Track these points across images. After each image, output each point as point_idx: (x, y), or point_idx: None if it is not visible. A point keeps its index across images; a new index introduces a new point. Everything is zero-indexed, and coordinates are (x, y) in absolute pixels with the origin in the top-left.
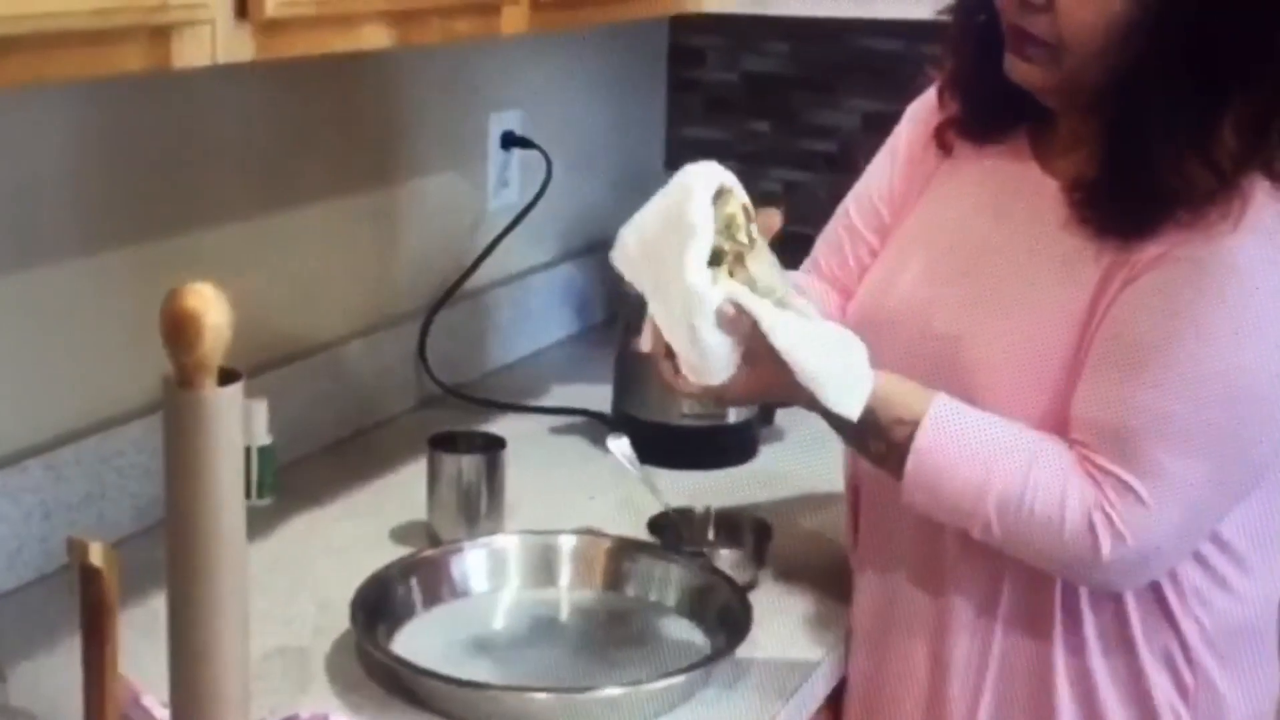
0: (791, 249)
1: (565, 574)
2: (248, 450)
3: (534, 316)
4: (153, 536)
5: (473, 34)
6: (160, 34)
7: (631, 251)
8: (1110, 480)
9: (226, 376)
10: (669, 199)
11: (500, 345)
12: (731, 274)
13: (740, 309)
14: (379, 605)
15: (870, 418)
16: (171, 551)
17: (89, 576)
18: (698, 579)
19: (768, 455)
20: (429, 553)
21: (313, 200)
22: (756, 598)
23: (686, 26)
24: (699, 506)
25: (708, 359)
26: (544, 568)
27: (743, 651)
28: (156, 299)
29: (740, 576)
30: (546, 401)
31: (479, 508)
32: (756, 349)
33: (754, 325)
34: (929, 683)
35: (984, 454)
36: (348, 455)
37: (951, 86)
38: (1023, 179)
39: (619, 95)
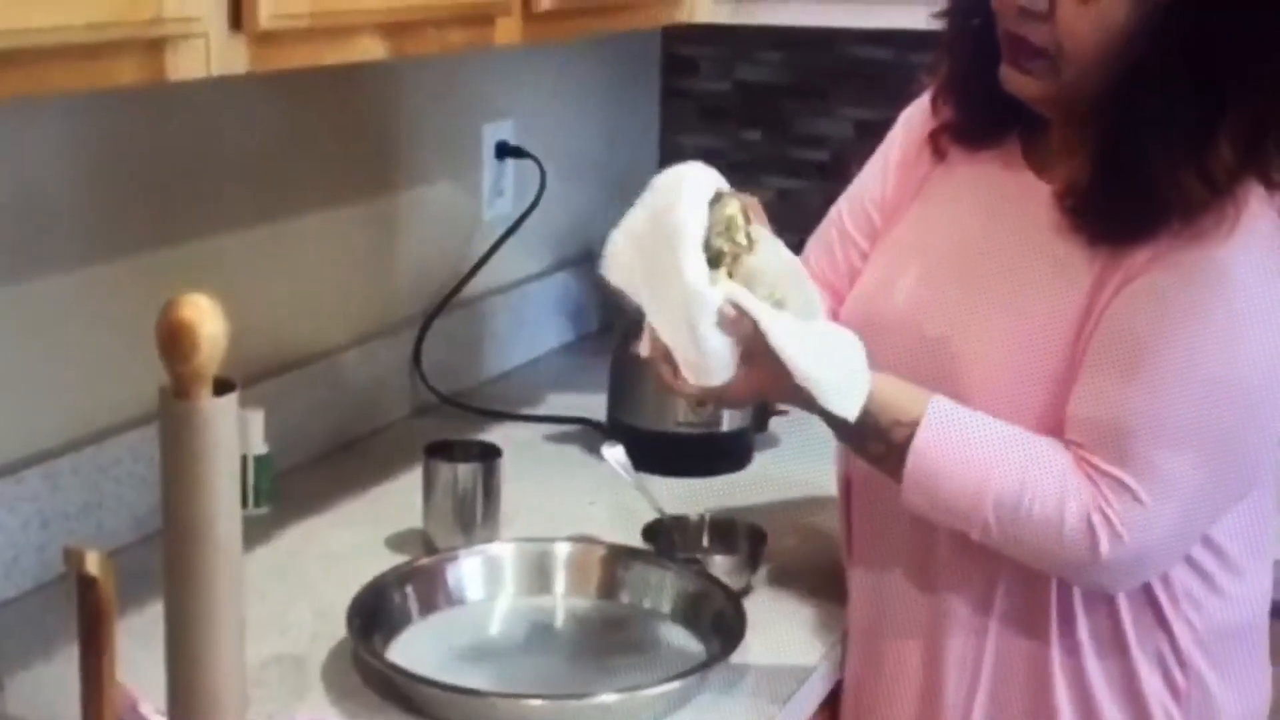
0: None
1: (560, 581)
2: (244, 459)
3: (529, 325)
4: (150, 545)
5: (466, 45)
6: (155, 47)
7: (623, 258)
8: (1107, 480)
9: (222, 386)
10: (658, 202)
11: (496, 354)
12: (730, 275)
13: (740, 310)
14: (375, 613)
15: (868, 419)
16: (168, 560)
17: (86, 585)
18: (692, 585)
19: (762, 462)
20: (425, 561)
21: (308, 210)
22: (751, 603)
23: (679, 36)
24: (693, 513)
25: (708, 360)
26: (539, 575)
27: (737, 657)
28: (153, 309)
29: (735, 582)
30: (542, 410)
31: (474, 516)
32: (755, 350)
33: (754, 326)
34: (924, 683)
35: (982, 455)
36: (344, 463)
37: (945, 92)
38: (1016, 184)
39: (612, 104)
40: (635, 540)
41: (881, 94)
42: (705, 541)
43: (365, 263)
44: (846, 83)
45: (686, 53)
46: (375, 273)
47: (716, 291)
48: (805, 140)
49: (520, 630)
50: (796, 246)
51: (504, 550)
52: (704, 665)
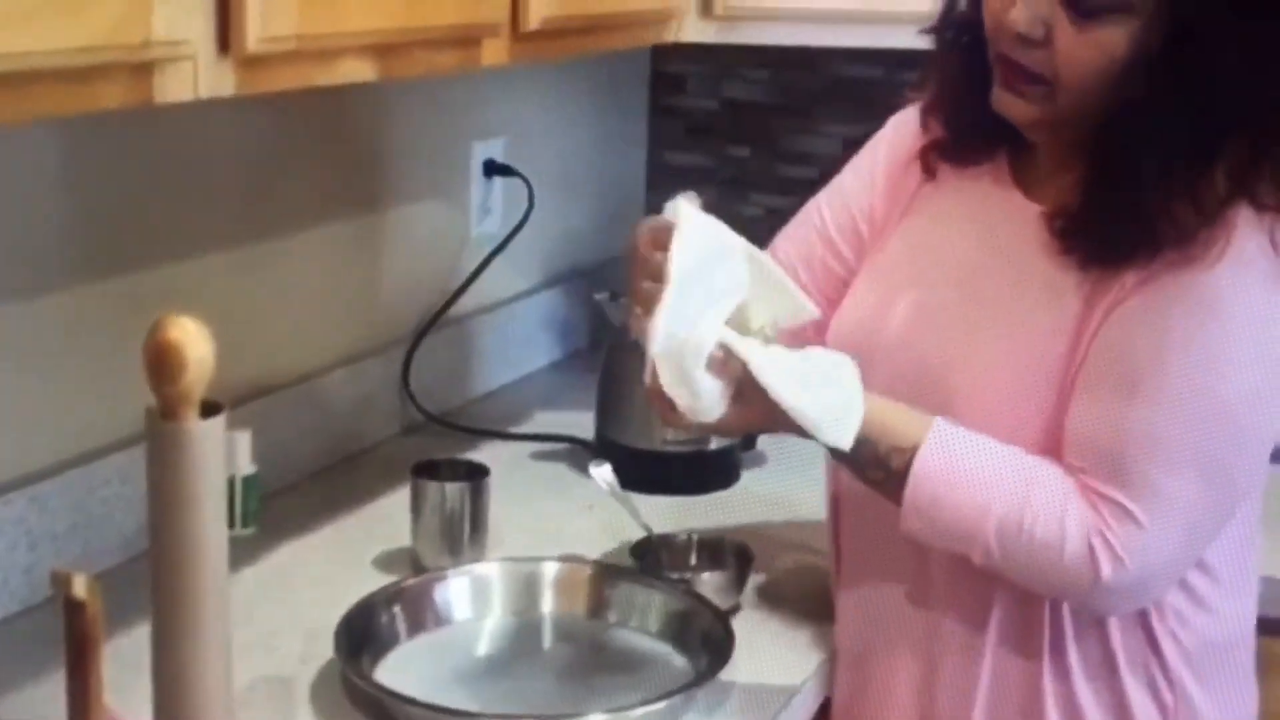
0: None
1: (548, 601)
2: (232, 480)
3: (517, 343)
4: (138, 567)
5: (454, 67)
6: (143, 70)
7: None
8: (1107, 504)
9: (209, 408)
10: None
11: (484, 372)
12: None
13: (729, 352)
14: (363, 634)
15: (865, 447)
16: (155, 582)
17: (73, 608)
18: (680, 604)
19: (749, 480)
20: (412, 581)
21: (296, 230)
22: (739, 622)
23: (667, 54)
24: (681, 532)
25: (700, 400)
26: (527, 594)
27: (725, 676)
28: (141, 330)
29: (722, 601)
30: (530, 428)
31: (462, 535)
32: (747, 388)
33: (744, 366)
34: (915, 705)
35: (983, 480)
36: (332, 483)
37: (935, 110)
38: (1005, 204)
39: (600, 122)
40: (623, 559)
41: (869, 112)
42: (693, 560)
43: (353, 282)
44: (834, 100)
45: (674, 70)
46: (363, 292)
47: (707, 335)
48: (793, 157)
49: (508, 650)
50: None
51: (492, 570)
52: (692, 684)
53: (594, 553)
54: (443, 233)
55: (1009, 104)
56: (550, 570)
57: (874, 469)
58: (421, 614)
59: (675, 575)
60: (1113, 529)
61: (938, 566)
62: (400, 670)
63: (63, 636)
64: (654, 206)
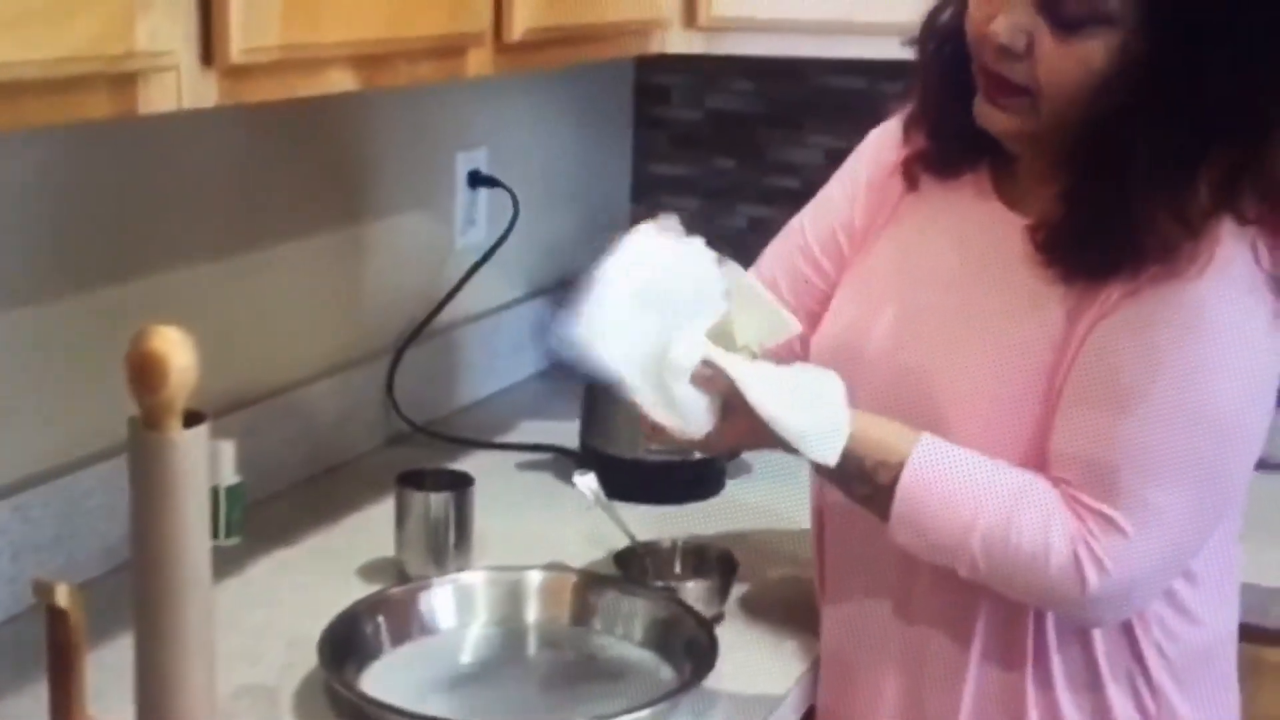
0: None
1: (533, 609)
2: (215, 490)
3: (502, 354)
4: (121, 577)
5: (438, 77)
6: (126, 81)
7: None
8: (1093, 515)
9: (192, 418)
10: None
11: (469, 382)
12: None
13: (715, 368)
14: (347, 643)
15: (851, 462)
16: (138, 591)
17: (55, 618)
18: (664, 612)
19: (734, 488)
20: (396, 590)
21: (280, 240)
22: (723, 630)
23: (652, 65)
24: (665, 540)
25: (686, 416)
26: (511, 603)
27: (709, 684)
28: (125, 340)
29: (706, 609)
30: (514, 438)
31: (447, 544)
32: (733, 403)
33: (730, 383)
34: (901, 715)
35: (969, 493)
36: (316, 493)
37: (917, 121)
38: (987, 215)
39: (585, 133)
40: (607, 567)
41: (853, 122)
42: (677, 568)
43: (338, 292)
44: (818, 111)
45: (659, 81)
46: (348, 302)
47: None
48: (777, 168)
49: (493, 658)
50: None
51: (476, 579)
52: (676, 692)
53: (578, 561)
54: (427, 243)
55: (990, 116)
56: (535, 579)
57: (860, 484)
58: (406, 623)
59: (659, 584)
60: (1098, 540)
61: (921, 580)
62: (384, 679)
63: (45, 645)
64: (639, 217)
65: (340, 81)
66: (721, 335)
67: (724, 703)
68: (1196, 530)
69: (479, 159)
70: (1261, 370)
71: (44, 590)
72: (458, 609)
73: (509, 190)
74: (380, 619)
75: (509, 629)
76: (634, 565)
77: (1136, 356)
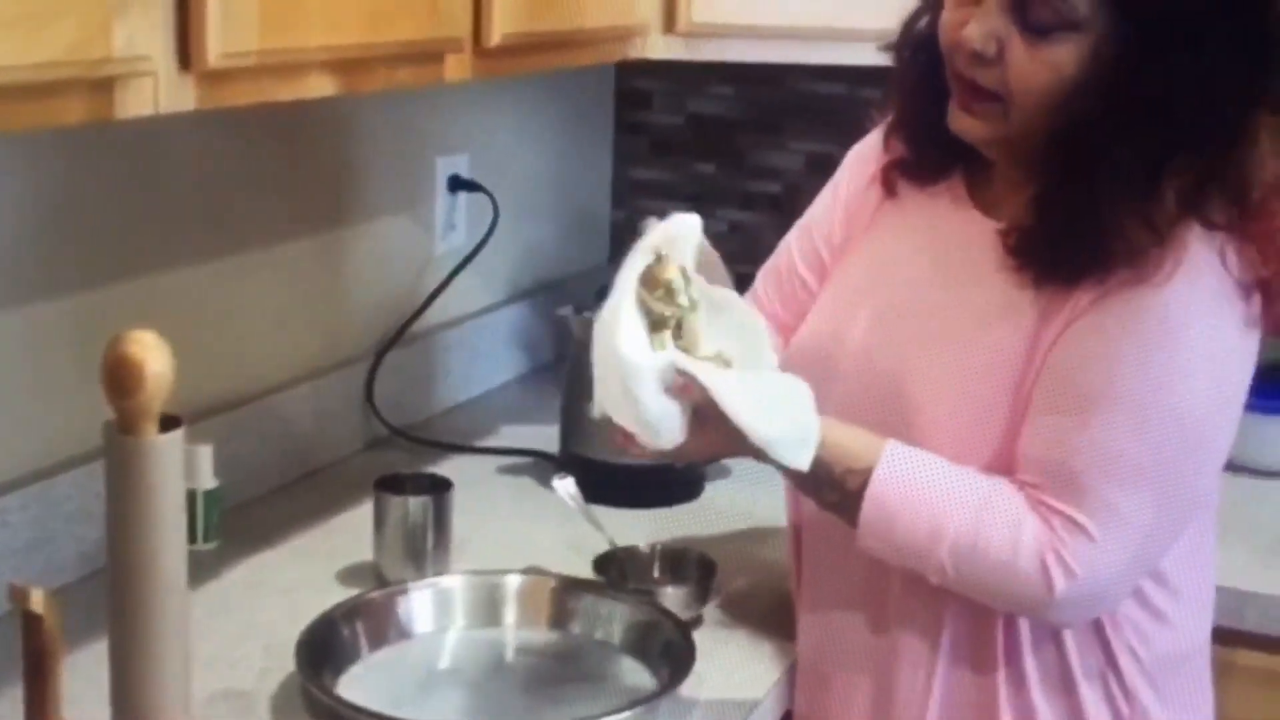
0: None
1: (511, 613)
2: (193, 494)
3: (482, 358)
4: (98, 582)
5: (417, 82)
6: (103, 86)
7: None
8: (1060, 519)
9: (168, 423)
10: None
11: (449, 387)
12: (678, 337)
13: (687, 375)
14: (324, 647)
15: (823, 468)
16: (113, 595)
17: (31, 623)
18: (642, 616)
19: (713, 492)
20: (374, 594)
21: (259, 245)
22: (701, 634)
23: (632, 70)
24: (644, 544)
25: (659, 426)
26: (490, 607)
27: (687, 688)
28: (103, 344)
29: (685, 613)
30: (494, 442)
31: (425, 549)
32: (704, 411)
33: (704, 391)
34: (872, 717)
35: (937, 500)
36: (295, 498)
37: (896, 130)
38: (962, 222)
39: (566, 138)
40: (586, 571)
41: (833, 127)
42: (656, 572)
43: (318, 297)
44: (798, 116)
45: (640, 86)
46: (328, 307)
47: (660, 357)
48: (758, 173)
49: (471, 663)
50: (750, 280)
51: (454, 582)
52: (653, 696)
53: (557, 565)
54: (407, 248)
55: (963, 122)
56: (513, 583)
57: (829, 491)
58: (383, 627)
59: (638, 587)
60: (1065, 543)
61: (894, 587)
62: (362, 684)
63: (21, 651)
64: (619, 222)
65: (319, 86)
66: (692, 343)
67: (701, 707)
68: (1162, 534)
69: (459, 164)
70: (1228, 376)
71: (20, 595)
72: (436, 613)
73: (489, 195)
74: (358, 623)
75: (487, 633)
76: (612, 569)
77: (1103, 361)
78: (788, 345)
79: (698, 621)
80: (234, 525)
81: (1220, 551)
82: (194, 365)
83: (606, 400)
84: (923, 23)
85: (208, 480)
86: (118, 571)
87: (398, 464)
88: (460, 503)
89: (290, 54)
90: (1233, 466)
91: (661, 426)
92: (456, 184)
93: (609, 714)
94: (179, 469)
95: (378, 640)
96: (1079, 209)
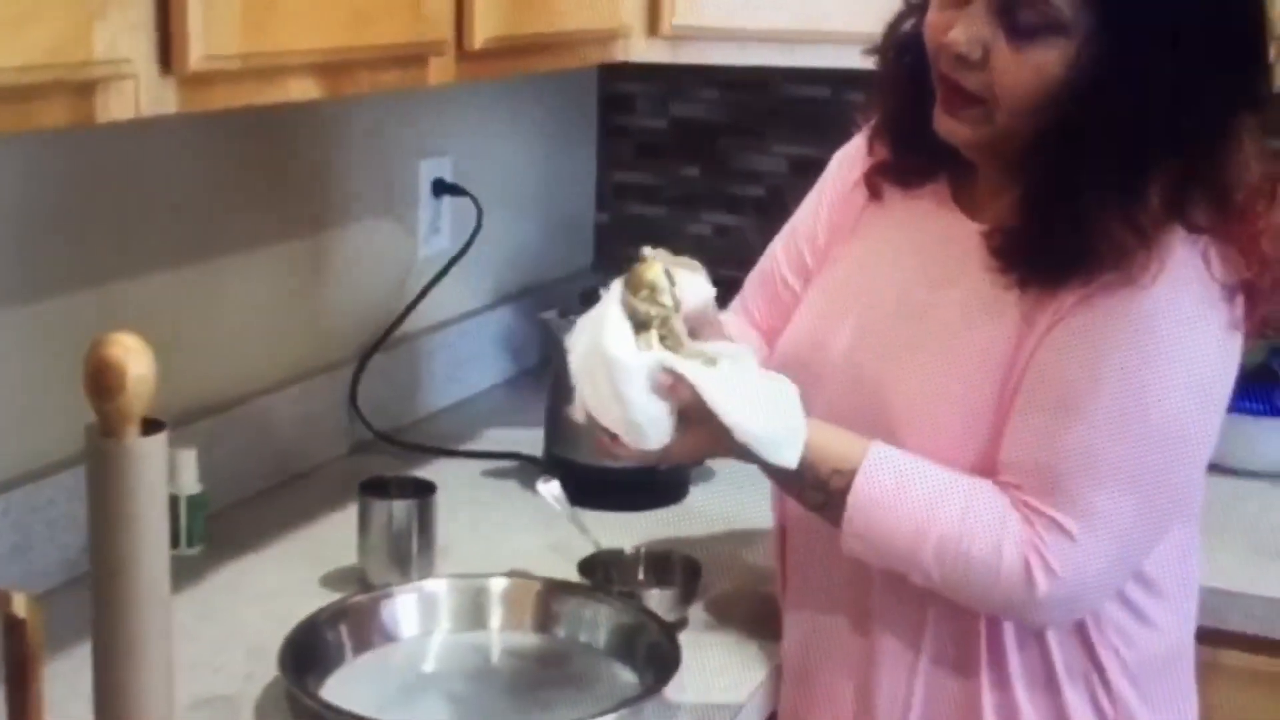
0: (721, 293)
1: (496, 617)
2: (176, 499)
3: (466, 362)
4: (82, 586)
5: (400, 85)
6: (85, 89)
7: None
8: (1043, 520)
9: (150, 426)
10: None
11: (433, 390)
12: (664, 338)
13: (675, 375)
14: (309, 652)
15: (808, 469)
16: (96, 600)
17: (13, 627)
18: (627, 619)
19: (698, 495)
20: (358, 598)
21: (243, 248)
22: (685, 636)
23: (616, 73)
24: (629, 547)
25: (646, 427)
26: (474, 611)
27: (672, 690)
28: (86, 348)
29: (669, 616)
30: (479, 446)
31: (410, 552)
32: (691, 411)
33: (691, 390)
34: (855, 717)
35: (920, 502)
36: (279, 502)
37: (880, 134)
38: (946, 224)
39: (550, 141)
40: (571, 574)
41: (817, 131)
42: (641, 575)
43: (301, 300)
44: (782, 120)
45: (623, 90)
46: (312, 310)
47: (647, 357)
48: (742, 176)
49: (456, 666)
50: (733, 283)
51: (439, 586)
52: (638, 698)
53: (542, 569)
54: (391, 251)
55: (947, 124)
56: (498, 586)
57: (814, 491)
58: (368, 631)
59: (623, 590)
60: (1048, 545)
61: (877, 588)
62: (346, 687)
63: (3, 656)
64: (603, 226)
65: (302, 89)
66: (677, 344)
67: (687, 709)
68: (1144, 535)
69: (443, 167)
70: (1211, 379)
71: (2, 600)
72: (420, 617)
73: (473, 198)
74: (343, 627)
75: (472, 637)
76: (598, 572)
77: (1086, 363)
78: (777, 348)
79: (683, 624)
80: (218, 530)
81: (1204, 552)
82: (177, 369)
83: (592, 402)
84: (907, 25)
85: (191, 485)
86: (100, 576)
87: (382, 468)
88: (445, 506)
89: (272, 57)
90: (1217, 468)
91: (649, 427)
92: (440, 187)
93: (594, 717)
94: (161, 472)
95: (363, 644)
96: (1063, 211)
